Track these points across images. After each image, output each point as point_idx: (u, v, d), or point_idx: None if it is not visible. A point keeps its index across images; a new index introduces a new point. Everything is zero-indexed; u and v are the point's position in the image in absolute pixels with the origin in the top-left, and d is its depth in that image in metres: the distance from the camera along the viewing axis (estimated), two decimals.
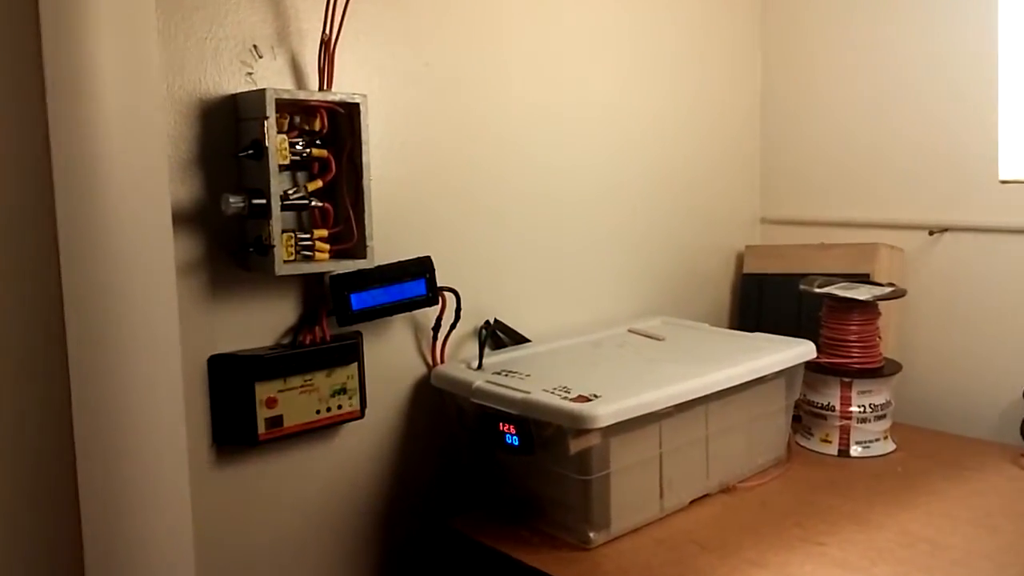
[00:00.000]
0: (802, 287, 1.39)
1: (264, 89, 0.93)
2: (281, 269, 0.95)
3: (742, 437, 1.23)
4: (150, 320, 0.87)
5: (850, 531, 1.08)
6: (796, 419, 1.37)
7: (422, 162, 1.17)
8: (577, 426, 1.00)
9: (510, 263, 1.30)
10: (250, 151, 0.94)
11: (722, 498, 1.19)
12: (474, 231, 1.25)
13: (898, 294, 1.34)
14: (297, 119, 1.00)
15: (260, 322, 1.03)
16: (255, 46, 0.99)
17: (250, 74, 0.99)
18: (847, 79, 1.61)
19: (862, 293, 1.32)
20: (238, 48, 0.98)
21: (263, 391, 0.99)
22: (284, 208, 0.97)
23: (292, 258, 0.97)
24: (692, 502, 1.16)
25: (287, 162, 0.96)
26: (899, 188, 1.57)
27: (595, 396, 1.05)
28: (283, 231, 0.96)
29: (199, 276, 0.97)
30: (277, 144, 0.94)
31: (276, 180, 0.94)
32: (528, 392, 1.06)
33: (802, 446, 1.37)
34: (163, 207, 0.88)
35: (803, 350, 1.28)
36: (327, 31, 1.01)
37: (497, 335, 1.28)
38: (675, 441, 1.13)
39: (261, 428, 0.99)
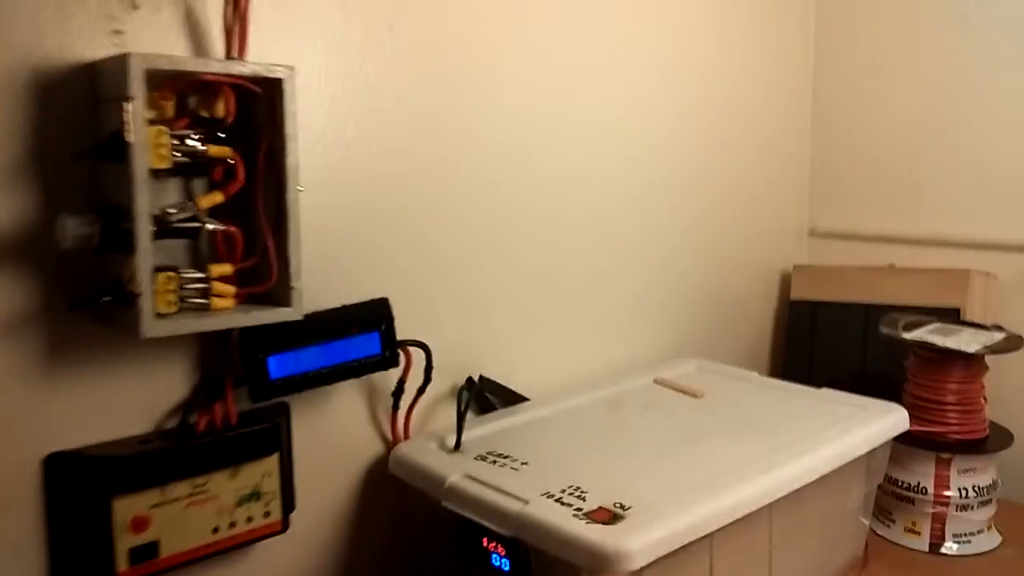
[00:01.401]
0: (883, 329, 1.06)
1: (127, 54, 0.59)
2: (151, 329, 0.62)
3: (813, 540, 0.91)
4: None
5: None
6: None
7: (380, 165, 0.84)
8: (600, 566, 0.67)
9: (501, 300, 0.97)
10: (105, 150, 0.60)
11: None
12: (452, 259, 0.91)
13: (1014, 344, 1.01)
14: (193, 102, 0.66)
15: (131, 400, 0.69)
16: None
17: (118, 32, 0.65)
18: (923, 58, 1.28)
19: (967, 341, 1.00)
20: None
21: (126, 509, 0.66)
22: (161, 235, 0.64)
23: (172, 309, 0.64)
24: None
25: (168, 166, 0.63)
26: (988, 198, 1.24)
27: (622, 508, 0.72)
28: (157, 270, 0.63)
29: (30, 336, 0.64)
30: (149, 138, 0.61)
31: (145, 193, 0.60)
32: (526, 501, 0.73)
33: (879, 535, 1.06)
34: None
35: (894, 420, 0.95)
36: None
37: (484, 396, 0.95)
38: (730, 562, 0.80)
39: (122, 563, 0.66)
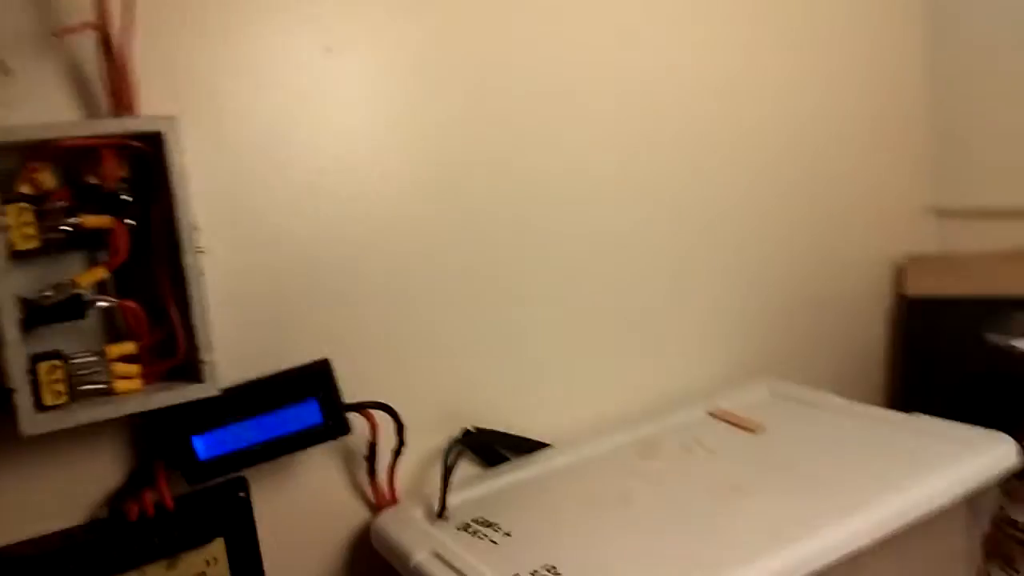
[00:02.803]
0: (989, 337, 0.85)
1: None
2: (33, 425, 0.58)
3: None
4: None
5: None
6: (993, 538, 0.83)
7: (323, 203, 0.76)
8: None
9: (505, 331, 0.86)
10: None
11: None
12: (432, 294, 0.81)
13: None
14: (84, 169, 0.62)
15: (54, 492, 0.65)
16: None
17: None
18: None
19: None
20: None
21: None
22: (38, 320, 0.60)
23: (62, 400, 0.60)
24: None
25: (36, 245, 0.58)
26: None
27: None
28: (39, 358, 0.59)
29: None
30: (9, 218, 0.57)
31: (5, 280, 0.57)
32: None
33: None
34: None
35: (996, 454, 0.75)
36: (103, 16, 0.62)
37: (491, 449, 0.85)
38: None
39: None
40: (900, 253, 1.16)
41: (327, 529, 0.77)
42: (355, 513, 0.79)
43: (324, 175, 0.76)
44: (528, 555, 0.67)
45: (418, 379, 0.81)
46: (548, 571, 0.64)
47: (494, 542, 0.70)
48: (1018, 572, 0.83)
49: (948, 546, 0.77)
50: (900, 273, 1.16)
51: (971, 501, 0.76)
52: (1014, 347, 0.81)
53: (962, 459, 0.74)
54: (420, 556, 0.69)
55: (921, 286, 1.12)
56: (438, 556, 0.69)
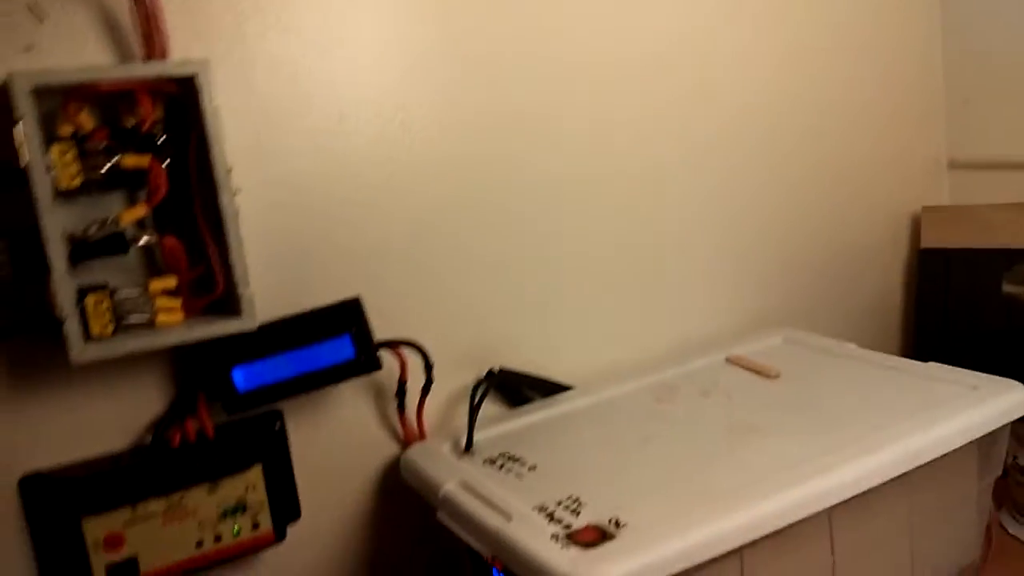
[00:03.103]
0: (1007, 287, 0.87)
1: (9, 74, 0.57)
2: (81, 354, 0.60)
3: (899, 552, 0.76)
4: None
5: None
6: (1003, 474, 0.86)
7: (360, 143, 0.77)
8: None
9: (532, 275, 0.88)
10: (3, 175, 0.58)
11: None
12: (461, 236, 0.83)
13: None
14: (121, 111, 0.63)
15: (102, 419, 0.69)
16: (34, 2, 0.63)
17: (30, 48, 0.63)
18: None
19: None
20: (5, 7, 0.62)
21: (98, 528, 0.66)
22: (84, 255, 0.62)
23: (108, 331, 0.62)
24: None
25: (77, 184, 0.60)
26: None
27: (616, 526, 0.63)
28: (87, 291, 0.61)
29: None
30: (53, 158, 0.59)
31: (53, 216, 0.59)
32: (509, 518, 0.65)
33: (1011, 534, 0.87)
34: None
35: (1009, 401, 0.77)
36: None
37: (516, 389, 0.87)
38: None
39: None
40: (915, 205, 1.17)
41: (357, 461, 0.80)
42: (384, 447, 0.82)
43: (345, 120, 0.77)
44: (552, 487, 0.70)
45: (445, 319, 0.83)
46: (572, 502, 0.67)
47: (519, 475, 0.73)
48: None
49: (960, 490, 0.79)
50: (915, 224, 1.17)
51: (983, 446, 0.78)
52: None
53: (974, 405, 0.76)
54: (449, 486, 0.72)
55: (936, 237, 1.13)
56: (466, 486, 0.71)
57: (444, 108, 0.81)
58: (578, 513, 0.65)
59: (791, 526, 0.66)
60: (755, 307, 1.05)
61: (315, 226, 0.75)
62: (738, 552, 0.65)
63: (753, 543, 0.64)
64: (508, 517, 0.65)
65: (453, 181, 0.82)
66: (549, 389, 0.89)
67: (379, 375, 0.80)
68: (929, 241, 1.13)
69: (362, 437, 0.80)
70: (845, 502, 0.68)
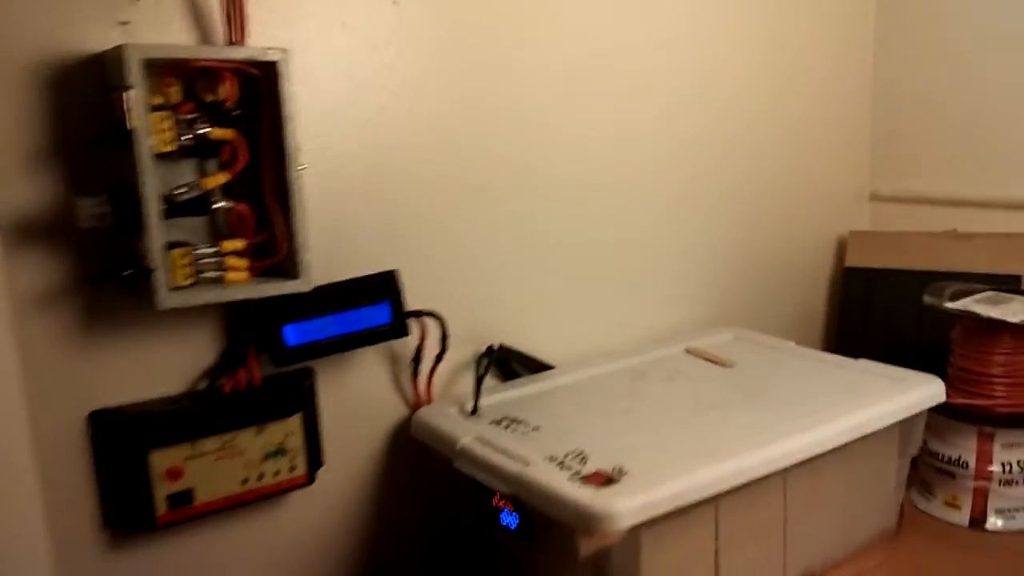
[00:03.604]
0: (927, 299, 1.03)
1: (123, 45, 0.65)
2: (167, 300, 0.68)
3: (836, 510, 0.90)
4: None
5: None
6: (913, 467, 1.02)
7: (392, 139, 0.87)
8: (587, 525, 0.69)
9: (522, 267, 0.99)
10: (112, 136, 0.66)
11: None
12: (467, 229, 0.94)
13: None
14: (197, 87, 0.71)
15: (163, 363, 0.76)
16: None
17: (124, 23, 0.71)
18: (993, 9, 1.21)
19: (1016, 311, 0.96)
20: None
21: (162, 459, 0.73)
22: (173, 213, 0.70)
23: (188, 282, 0.70)
24: None
25: (173, 149, 0.68)
26: None
27: (620, 472, 0.74)
28: (172, 245, 0.69)
29: (67, 306, 0.71)
30: (152, 124, 0.66)
31: (151, 176, 0.66)
32: (527, 463, 0.76)
33: (920, 509, 1.03)
34: None
35: (927, 392, 0.92)
36: None
37: (508, 364, 0.98)
38: (738, 528, 0.81)
39: (161, 508, 0.73)
40: (842, 229, 1.34)
41: (372, 418, 0.90)
42: (396, 407, 0.91)
43: (384, 112, 0.87)
44: (557, 443, 0.81)
45: (453, 298, 0.92)
46: (577, 454, 0.78)
47: (524, 434, 0.84)
48: (934, 496, 1.02)
49: (884, 464, 0.94)
50: (841, 246, 1.34)
51: (904, 429, 0.93)
52: (945, 307, 0.99)
53: (900, 392, 0.91)
54: (466, 440, 0.82)
55: (859, 258, 1.30)
56: (481, 440, 0.82)
57: (456, 111, 0.91)
58: (584, 462, 0.76)
59: (755, 482, 0.79)
60: (707, 308, 1.20)
61: (351, 208, 0.85)
62: (714, 501, 0.78)
63: (727, 493, 0.77)
64: (526, 463, 0.76)
65: (467, 180, 0.93)
66: (536, 367, 1.00)
67: (396, 344, 0.89)
68: (853, 261, 1.30)
69: (378, 397, 0.89)
70: (797, 466, 0.82)
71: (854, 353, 1.02)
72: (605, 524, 0.69)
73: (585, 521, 0.69)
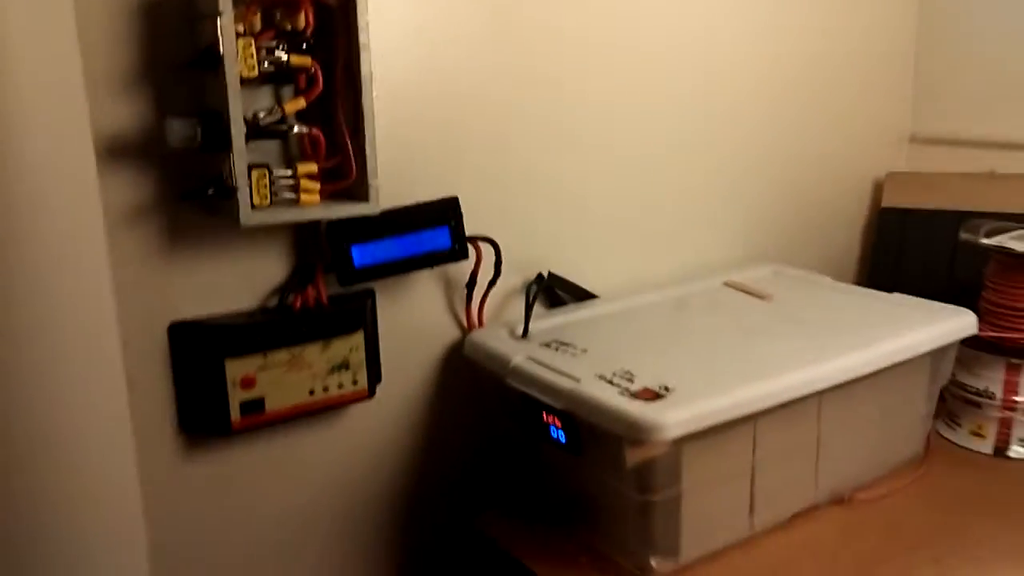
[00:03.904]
0: (963, 235, 1.06)
1: None
2: (249, 218, 0.72)
3: (867, 434, 0.95)
4: (68, 279, 0.67)
5: None
6: (939, 398, 1.06)
7: (452, 70, 0.91)
8: (636, 436, 0.74)
9: (571, 198, 1.03)
10: (202, 61, 0.70)
11: (834, 513, 0.92)
12: (521, 160, 0.98)
13: None
14: (277, 15, 0.75)
15: (237, 280, 0.81)
16: None
17: None
18: None
19: None
20: None
21: (237, 369, 0.79)
22: (254, 136, 0.74)
23: (266, 202, 0.74)
24: (793, 517, 0.90)
25: (255, 74, 0.72)
26: None
27: (666, 389, 0.79)
28: (252, 167, 0.73)
29: (152, 222, 0.76)
30: (238, 50, 0.70)
31: (238, 99, 0.70)
32: (578, 380, 0.81)
33: (945, 438, 1.08)
34: (80, 130, 0.66)
35: (960, 324, 0.96)
36: None
37: (554, 291, 1.03)
38: (774, 446, 0.86)
39: (235, 414, 0.79)
40: (883, 172, 1.36)
41: (427, 338, 0.95)
42: (448, 329, 0.96)
43: (448, 44, 0.90)
44: (605, 364, 0.85)
45: (507, 226, 0.96)
46: (625, 373, 0.83)
47: (574, 355, 0.89)
48: (960, 426, 1.06)
49: (915, 391, 0.98)
50: (878, 187, 1.37)
51: (935, 359, 0.97)
52: (981, 243, 1.02)
53: (933, 322, 0.95)
54: (518, 359, 0.87)
55: (895, 198, 1.32)
56: (532, 360, 0.87)
57: (516, 42, 0.94)
58: (632, 380, 0.81)
59: (793, 403, 0.83)
60: (746, 244, 1.23)
61: (414, 135, 0.88)
62: (753, 419, 0.82)
63: (765, 412, 0.82)
64: (577, 380, 0.81)
65: (523, 113, 0.96)
66: (581, 295, 1.05)
67: (450, 269, 0.94)
68: (890, 201, 1.32)
69: (432, 319, 0.94)
70: (832, 389, 0.86)
71: (888, 290, 1.06)
72: (653, 435, 0.74)
73: (634, 432, 0.74)
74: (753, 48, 1.17)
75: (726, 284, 1.13)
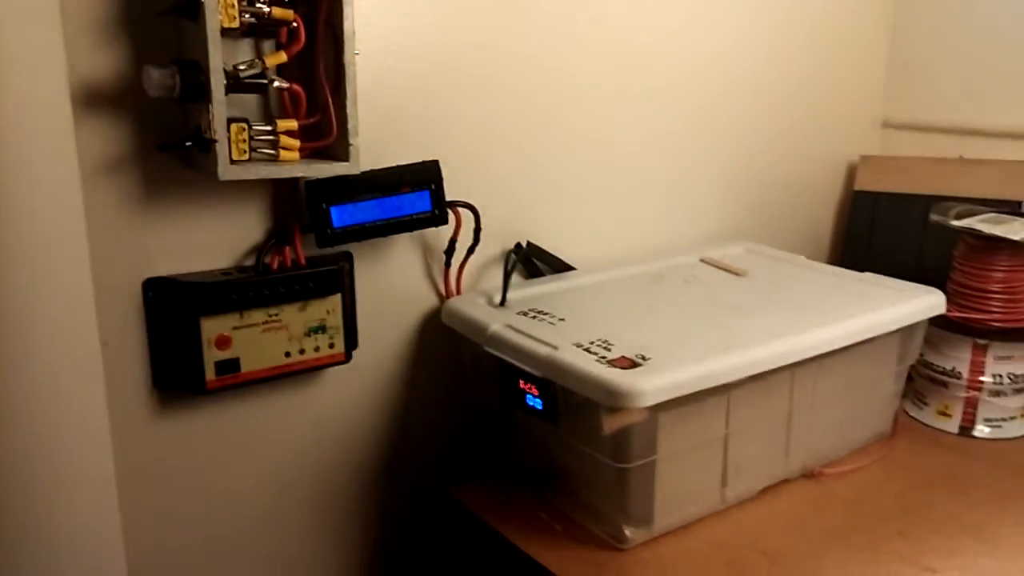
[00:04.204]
0: (933, 216, 1.07)
1: None
2: (227, 172, 0.71)
3: (837, 410, 0.96)
4: (41, 229, 0.65)
5: (973, 553, 0.81)
6: (907, 378, 1.07)
7: (436, 34, 0.90)
8: (613, 403, 0.75)
9: (551, 170, 1.03)
10: (182, 8, 0.68)
11: (804, 486, 0.93)
12: (503, 128, 0.97)
13: None
14: None
15: (213, 238, 0.80)
16: None
17: None
18: None
19: (1016, 231, 1.00)
20: None
21: (212, 328, 0.77)
22: (233, 89, 0.72)
23: (245, 157, 0.73)
24: (764, 490, 0.91)
25: (236, 24, 0.70)
26: None
27: (643, 358, 0.79)
28: (231, 121, 0.72)
29: (128, 173, 0.74)
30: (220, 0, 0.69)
31: (218, 48, 0.68)
32: (555, 347, 0.81)
33: (912, 417, 1.10)
34: (56, 76, 0.64)
35: (929, 303, 0.98)
36: None
37: (532, 262, 1.02)
38: (747, 417, 0.86)
39: (210, 374, 0.78)
40: (854, 153, 1.37)
41: (403, 305, 0.94)
42: (425, 297, 0.95)
43: (434, 6, 0.89)
44: (583, 332, 0.85)
45: (486, 195, 0.96)
46: (602, 342, 0.83)
47: (552, 324, 0.88)
48: (927, 405, 1.08)
49: (883, 369, 1.00)
50: (851, 170, 1.38)
51: (904, 338, 0.99)
52: (951, 224, 1.04)
53: (903, 301, 0.96)
54: (496, 327, 0.87)
55: (867, 182, 1.34)
56: (510, 327, 0.86)
57: (500, 11, 0.94)
58: (609, 349, 0.81)
59: (766, 375, 0.84)
60: (721, 222, 1.24)
61: (397, 98, 0.87)
62: (727, 390, 0.83)
63: (739, 383, 0.82)
64: (555, 348, 0.81)
65: (506, 82, 0.96)
66: (559, 266, 1.04)
67: (428, 235, 0.93)
68: (862, 184, 1.33)
69: (410, 285, 0.94)
70: (804, 363, 0.87)
71: (859, 271, 1.07)
72: (631, 402, 0.74)
73: (612, 399, 0.74)
74: (730, 30, 1.17)
75: (702, 260, 1.13)
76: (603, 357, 0.79)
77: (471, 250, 0.94)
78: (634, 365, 0.78)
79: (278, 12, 0.73)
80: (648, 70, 1.09)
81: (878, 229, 1.31)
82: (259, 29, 0.74)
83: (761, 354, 0.83)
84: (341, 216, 0.81)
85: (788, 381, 0.90)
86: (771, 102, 1.25)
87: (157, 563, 0.83)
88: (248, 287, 0.79)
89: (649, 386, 0.74)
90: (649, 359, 0.79)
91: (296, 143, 0.76)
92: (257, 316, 0.79)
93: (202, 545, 0.85)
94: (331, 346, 0.85)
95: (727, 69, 1.18)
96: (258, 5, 0.72)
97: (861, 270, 1.07)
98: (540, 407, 0.84)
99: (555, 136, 1.02)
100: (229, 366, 0.79)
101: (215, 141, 0.70)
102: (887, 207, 1.31)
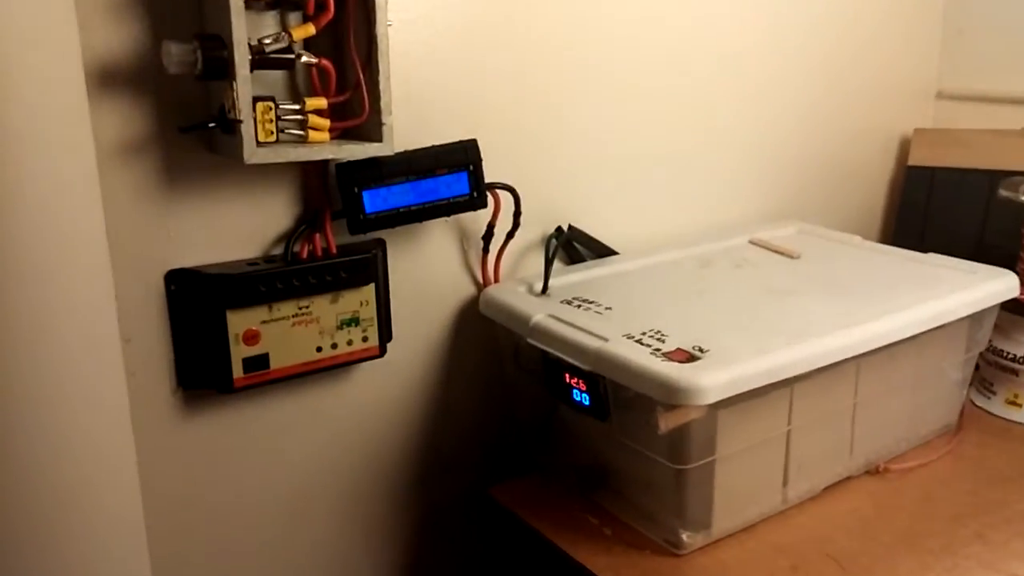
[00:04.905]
0: (1003, 192, 1.01)
1: None
2: (253, 155, 0.66)
3: (902, 401, 0.90)
4: (57, 221, 0.60)
5: None
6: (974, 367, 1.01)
7: (477, 11, 0.83)
8: (670, 400, 0.69)
9: (593, 149, 0.96)
10: None
11: (869, 484, 0.87)
12: (543, 105, 0.91)
13: None
14: None
15: (239, 226, 0.75)
16: None
17: None
18: None
19: None
20: None
21: (239, 322, 0.72)
22: (259, 65, 0.67)
23: (272, 138, 0.68)
24: (827, 488, 0.86)
25: None
26: None
27: (700, 351, 0.73)
28: (257, 99, 0.66)
29: (148, 159, 0.69)
30: None
31: (241, 20, 0.63)
32: (605, 339, 0.75)
33: (978, 407, 1.03)
34: (71, 54, 0.59)
35: (1002, 285, 0.91)
36: None
37: (573, 246, 0.97)
38: (810, 413, 0.81)
39: (237, 371, 0.73)
40: (908, 126, 1.30)
41: (440, 294, 0.89)
42: (463, 285, 0.90)
43: None
44: (633, 322, 0.80)
45: (525, 176, 0.90)
46: (655, 332, 0.77)
47: (598, 313, 0.83)
48: (995, 394, 1.02)
49: (952, 358, 0.93)
50: (904, 144, 1.31)
51: (973, 324, 0.92)
52: (1020, 199, 0.97)
53: (974, 285, 0.90)
54: (539, 317, 0.81)
55: (921, 156, 1.26)
56: (555, 317, 0.81)
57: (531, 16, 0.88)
58: (663, 341, 0.76)
59: (830, 367, 0.78)
60: (769, 201, 1.17)
61: (433, 75, 0.81)
62: (790, 384, 0.77)
63: (802, 376, 0.76)
64: (605, 340, 0.75)
65: (547, 60, 0.90)
66: (601, 251, 0.99)
67: (465, 220, 0.87)
68: (916, 159, 1.26)
69: (446, 273, 0.88)
70: (870, 353, 0.81)
71: (913, 251, 1.00)
72: (690, 399, 0.68)
73: (670, 396, 0.69)
74: (780, 3, 1.10)
75: (752, 242, 1.07)
76: (657, 350, 0.74)
77: (510, 235, 0.88)
78: (692, 358, 0.72)
79: None
80: (698, 46, 1.03)
81: (934, 206, 1.24)
82: (284, 0, 0.69)
83: (829, 345, 0.77)
84: (374, 201, 0.76)
85: (854, 372, 0.83)
86: (820, 73, 1.18)
87: (182, 567, 0.79)
88: (277, 278, 0.73)
89: (710, 382, 0.68)
90: (707, 351, 0.73)
91: (326, 123, 0.71)
92: (287, 309, 0.74)
93: (228, 550, 0.81)
94: (364, 339, 0.79)
95: (776, 44, 1.11)
96: None
97: (916, 250, 1.00)
98: (588, 403, 0.78)
99: (598, 113, 0.96)
100: (258, 363, 0.74)
101: (240, 121, 0.64)
102: (944, 183, 1.23)
